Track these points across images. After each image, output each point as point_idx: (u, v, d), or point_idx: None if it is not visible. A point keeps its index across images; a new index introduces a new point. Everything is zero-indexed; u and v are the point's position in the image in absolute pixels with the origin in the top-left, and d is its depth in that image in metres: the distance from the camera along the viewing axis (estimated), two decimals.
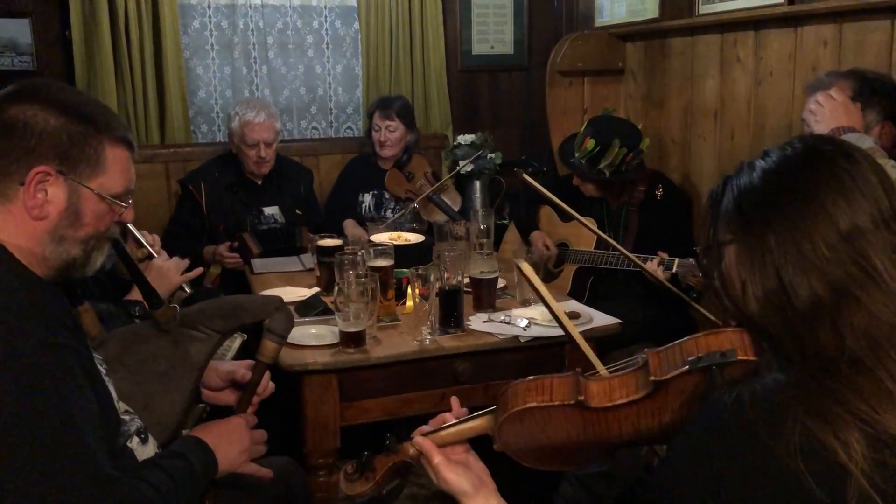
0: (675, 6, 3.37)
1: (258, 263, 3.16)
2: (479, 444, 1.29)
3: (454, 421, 1.28)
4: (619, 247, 2.29)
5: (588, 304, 2.72)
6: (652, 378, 1.05)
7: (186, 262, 2.20)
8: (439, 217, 3.43)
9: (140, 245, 2.17)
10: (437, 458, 1.23)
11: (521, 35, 4.51)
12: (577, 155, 3.09)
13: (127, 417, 1.44)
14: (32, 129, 1.24)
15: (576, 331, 1.25)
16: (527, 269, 1.25)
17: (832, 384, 0.92)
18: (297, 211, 3.58)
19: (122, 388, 1.49)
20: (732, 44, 3.08)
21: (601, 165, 3.03)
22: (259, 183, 3.55)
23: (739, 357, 1.01)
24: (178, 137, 3.92)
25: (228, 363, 1.74)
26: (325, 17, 4.21)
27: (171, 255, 3.42)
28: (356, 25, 4.20)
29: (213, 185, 3.47)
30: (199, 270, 2.27)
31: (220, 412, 1.76)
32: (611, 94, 3.81)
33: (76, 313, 1.47)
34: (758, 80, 2.97)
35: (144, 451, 1.42)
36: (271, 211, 3.54)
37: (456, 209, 3.62)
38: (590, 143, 3.01)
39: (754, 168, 1.05)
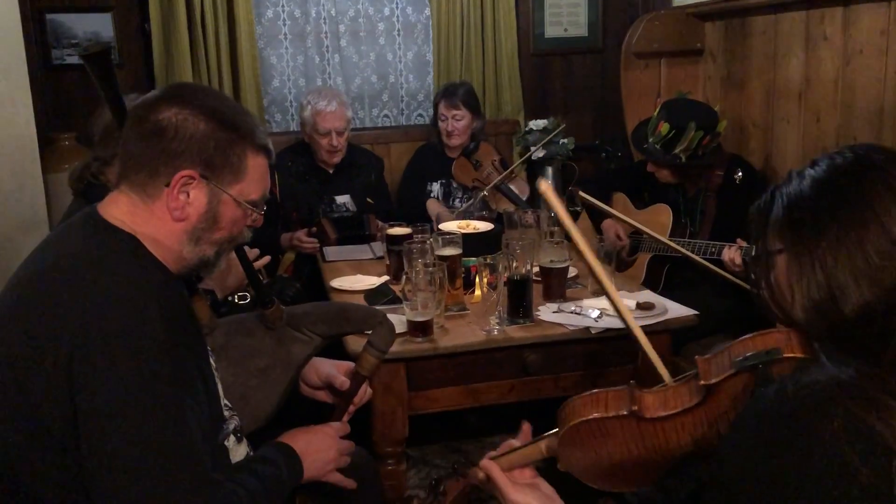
0: None
1: (330, 251, 3.19)
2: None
3: (520, 445, 1.29)
4: (672, 243, 2.23)
5: (663, 293, 2.64)
6: (702, 383, 1.06)
7: (256, 251, 2.22)
8: (507, 206, 3.39)
9: None
10: (503, 480, 1.24)
11: (596, 17, 4.40)
12: (650, 140, 3.00)
13: (227, 414, 1.47)
14: (182, 133, 1.27)
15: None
16: (547, 191, 1.18)
17: (880, 378, 0.91)
18: (368, 199, 3.59)
19: (223, 378, 1.53)
20: (819, 20, 2.92)
21: (676, 150, 2.93)
22: (331, 171, 3.57)
23: (786, 354, 1.01)
24: None
25: (328, 364, 1.76)
26: (397, 3, 4.19)
27: (246, 242, 3.52)
28: (427, 11, 4.18)
29: (287, 173, 3.51)
30: (267, 259, 2.28)
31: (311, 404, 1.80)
32: (688, 76, 3.68)
33: (191, 302, 1.50)
34: (846, 59, 2.81)
35: (238, 450, 1.46)
36: (343, 199, 3.56)
37: (524, 198, 3.57)
38: (664, 128, 2.91)
39: (804, 177, 1.06)
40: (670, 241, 2.96)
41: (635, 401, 1.10)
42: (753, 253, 1.12)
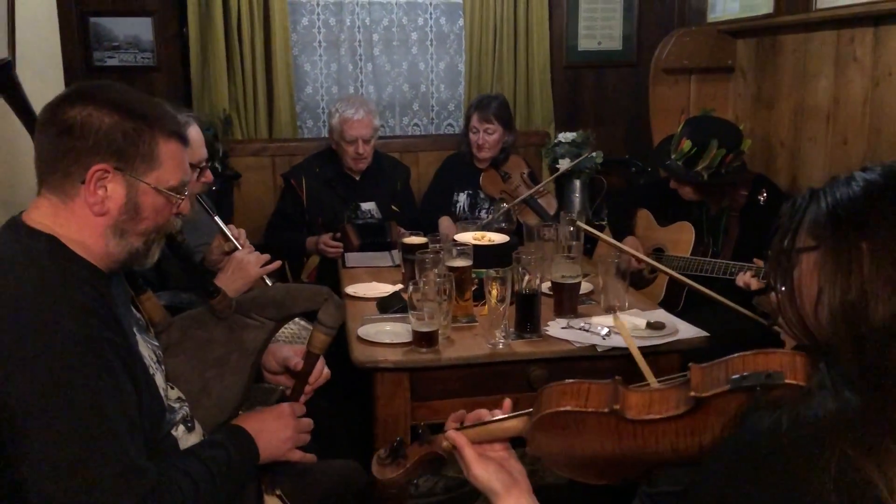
0: (790, 1, 3.18)
1: (350, 257, 3.23)
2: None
3: (490, 418, 1.26)
4: (677, 274, 2.20)
5: (682, 313, 2.61)
6: (692, 394, 1.00)
7: (267, 256, 2.27)
8: (532, 219, 3.39)
9: (227, 238, 2.25)
10: (468, 452, 1.22)
11: (631, 30, 4.38)
12: (673, 157, 2.97)
13: (177, 405, 1.49)
14: (89, 128, 1.29)
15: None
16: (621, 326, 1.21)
17: (887, 413, 0.86)
18: (394, 207, 3.63)
19: (181, 372, 1.56)
20: (849, 41, 2.87)
21: (699, 167, 2.90)
22: (357, 178, 3.61)
23: (787, 380, 0.95)
24: (284, 132, 4.05)
25: (286, 349, 1.78)
26: (431, 13, 4.23)
27: (273, 245, 3.59)
28: (461, 22, 4.20)
29: (313, 179, 3.56)
30: (277, 264, 2.33)
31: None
32: (718, 93, 3.65)
33: (138, 301, 1.54)
34: (875, 81, 2.76)
35: (189, 439, 1.47)
36: (368, 206, 3.60)
37: (551, 213, 3.57)
38: (686, 144, 2.89)
39: (854, 179, 1.01)
40: (690, 259, 2.94)
41: (618, 399, 1.06)
42: (779, 248, 1.05)
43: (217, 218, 2.27)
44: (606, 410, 1.06)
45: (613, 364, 2.25)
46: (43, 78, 2.70)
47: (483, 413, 1.29)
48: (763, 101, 3.44)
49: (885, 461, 0.83)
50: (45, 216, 1.32)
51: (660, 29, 4.30)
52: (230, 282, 2.15)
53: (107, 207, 1.32)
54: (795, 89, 3.21)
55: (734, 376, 0.98)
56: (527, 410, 1.19)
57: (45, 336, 1.19)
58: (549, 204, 3.67)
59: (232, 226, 2.32)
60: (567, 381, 1.12)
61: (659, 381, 1.16)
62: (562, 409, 1.08)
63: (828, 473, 0.83)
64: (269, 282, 2.30)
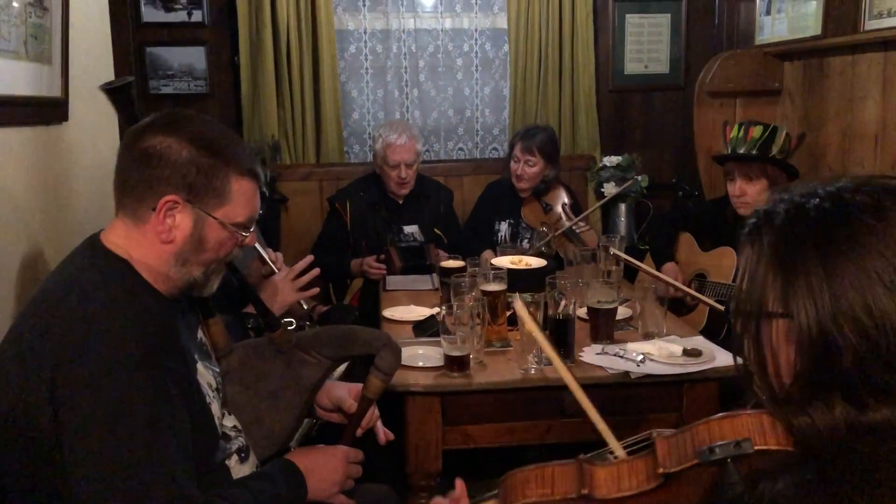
0: (838, 23, 3.13)
1: (392, 281, 3.26)
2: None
3: None
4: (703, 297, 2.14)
5: (724, 341, 2.55)
6: (660, 470, 0.95)
7: (303, 280, 2.30)
8: (571, 252, 3.35)
9: (264, 262, 2.30)
10: None
11: (678, 53, 4.35)
12: (742, 151, 2.87)
13: (232, 434, 1.52)
14: (166, 159, 1.34)
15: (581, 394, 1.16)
16: (519, 306, 1.18)
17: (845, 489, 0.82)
18: (436, 230, 3.65)
19: (237, 401, 1.60)
20: None
21: (773, 152, 2.83)
22: (400, 202, 3.65)
23: (757, 447, 0.90)
24: (332, 157, 4.13)
25: (340, 388, 1.80)
26: (476, 39, 4.27)
27: (319, 267, 3.64)
28: (506, 48, 4.23)
29: (358, 203, 3.61)
30: (315, 290, 2.36)
31: (331, 428, 1.85)
32: (764, 116, 3.57)
33: (205, 325, 1.59)
34: None
35: (242, 469, 1.50)
36: (411, 229, 3.63)
37: (592, 248, 3.51)
38: (756, 131, 2.81)
39: (805, 209, 0.92)
40: (732, 286, 2.88)
41: (585, 481, 0.99)
42: (739, 302, 0.96)
43: (256, 243, 2.32)
44: (575, 496, 0.99)
45: (650, 391, 2.23)
46: (97, 109, 2.81)
47: (439, 502, 1.25)
48: (810, 123, 3.38)
49: None
50: (120, 237, 1.38)
51: (707, 52, 4.25)
52: (268, 305, 2.20)
53: (173, 236, 1.37)
54: (843, 112, 3.14)
55: (701, 448, 0.93)
56: (491, 496, 1.12)
57: (108, 359, 1.23)
58: (591, 238, 3.59)
59: (270, 249, 2.38)
60: (528, 466, 1.05)
61: (623, 446, 1.11)
62: (528, 500, 1.02)
63: None
64: (304, 306, 2.34)
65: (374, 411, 1.75)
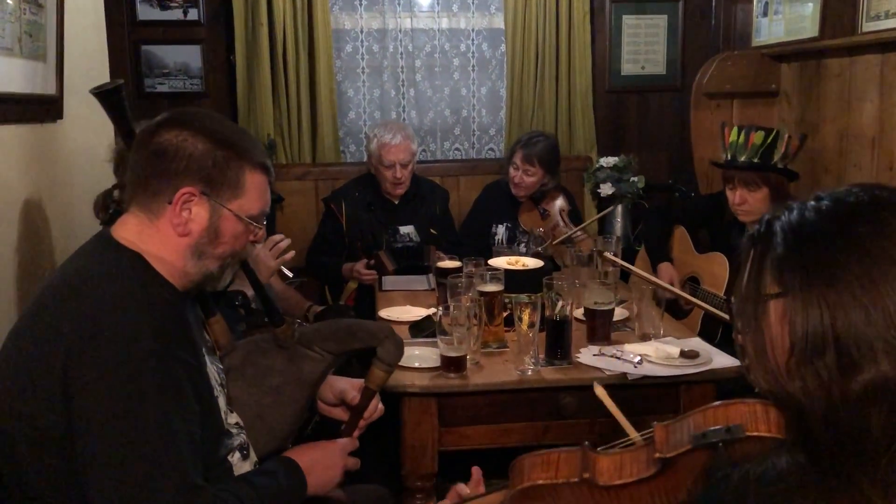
0: (836, 24, 3.13)
1: (388, 281, 3.24)
2: None
3: (470, 494, 1.26)
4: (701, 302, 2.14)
5: (720, 344, 2.54)
6: (657, 455, 0.98)
7: (281, 246, 2.40)
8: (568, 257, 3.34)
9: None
10: None
11: (675, 55, 4.35)
12: (743, 158, 2.85)
13: (234, 431, 1.52)
14: (182, 152, 1.35)
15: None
16: (600, 392, 1.23)
17: (859, 482, 0.80)
18: (432, 230, 3.63)
19: (240, 397, 1.60)
20: (895, 65, 2.81)
21: (775, 160, 2.82)
22: (396, 202, 3.64)
23: (749, 433, 0.92)
24: (328, 157, 4.11)
25: (343, 381, 1.81)
26: (473, 39, 4.26)
27: (314, 269, 3.64)
28: (503, 48, 4.22)
29: (353, 203, 3.59)
30: (293, 253, 2.50)
31: (328, 429, 1.83)
32: (760, 118, 3.58)
33: (207, 324, 1.58)
34: None
35: (243, 466, 1.50)
36: (406, 230, 3.62)
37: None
38: (758, 137, 2.79)
39: (807, 209, 0.92)
40: (724, 300, 2.87)
41: (588, 466, 1.04)
42: (741, 295, 0.95)
43: None
44: (577, 480, 1.04)
45: (647, 393, 2.22)
46: (91, 106, 2.78)
47: (461, 490, 1.29)
48: (808, 125, 3.37)
49: None
50: (132, 233, 1.38)
51: (704, 53, 4.25)
52: (285, 302, 2.24)
53: (189, 229, 1.37)
54: (840, 114, 3.14)
55: (696, 433, 0.96)
56: (504, 485, 1.17)
57: (122, 350, 1.24)
58: (587, 247, 3.59)
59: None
60: (535, 453, 1.10)
61: (641, 435, 1.13)
62: (534, 483, 1.07)
63: None
64: (287, 272, 2.40)
65: (377, 404, 1.75)
